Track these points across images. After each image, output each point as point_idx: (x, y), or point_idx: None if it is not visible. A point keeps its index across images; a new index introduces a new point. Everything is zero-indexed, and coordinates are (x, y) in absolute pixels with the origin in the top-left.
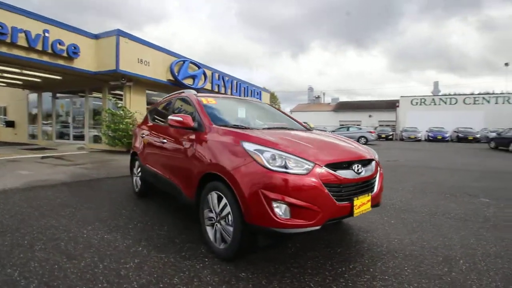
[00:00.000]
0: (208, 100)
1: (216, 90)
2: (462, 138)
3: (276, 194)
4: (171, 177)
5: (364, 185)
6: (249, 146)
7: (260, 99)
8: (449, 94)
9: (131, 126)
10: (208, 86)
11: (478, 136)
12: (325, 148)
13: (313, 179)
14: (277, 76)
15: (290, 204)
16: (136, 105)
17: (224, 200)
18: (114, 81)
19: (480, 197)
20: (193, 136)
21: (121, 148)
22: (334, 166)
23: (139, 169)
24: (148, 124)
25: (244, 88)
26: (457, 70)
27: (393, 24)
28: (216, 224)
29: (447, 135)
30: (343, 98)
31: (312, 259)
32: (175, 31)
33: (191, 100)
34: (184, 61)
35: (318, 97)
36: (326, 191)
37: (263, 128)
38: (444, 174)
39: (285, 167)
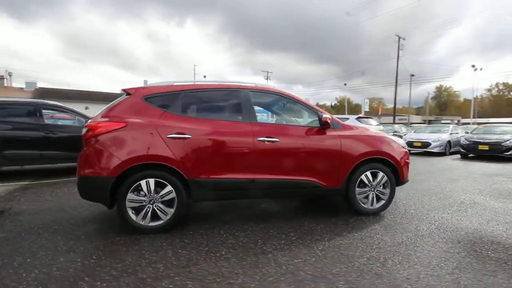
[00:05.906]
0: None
1: None
2: None
3: (408, 160)
4: (297, 177)
5: None
6: (391, 136)
7: None
8: None
9: None
10: None
11: None
12: None
13: None
14: None
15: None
16: None
17: (381, 174)
18: None
19: None
20: (333, 133)
21: None
22: None
23: (165, 191)
24: (182, 120)
25: None
26: (130, 69)
27: (60, 5)
28: (371, 192)
29: None
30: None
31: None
32: None
33: (298, 99)
34: None
35: (2, 78)
36: None
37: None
38: None
39: (404, 146)
